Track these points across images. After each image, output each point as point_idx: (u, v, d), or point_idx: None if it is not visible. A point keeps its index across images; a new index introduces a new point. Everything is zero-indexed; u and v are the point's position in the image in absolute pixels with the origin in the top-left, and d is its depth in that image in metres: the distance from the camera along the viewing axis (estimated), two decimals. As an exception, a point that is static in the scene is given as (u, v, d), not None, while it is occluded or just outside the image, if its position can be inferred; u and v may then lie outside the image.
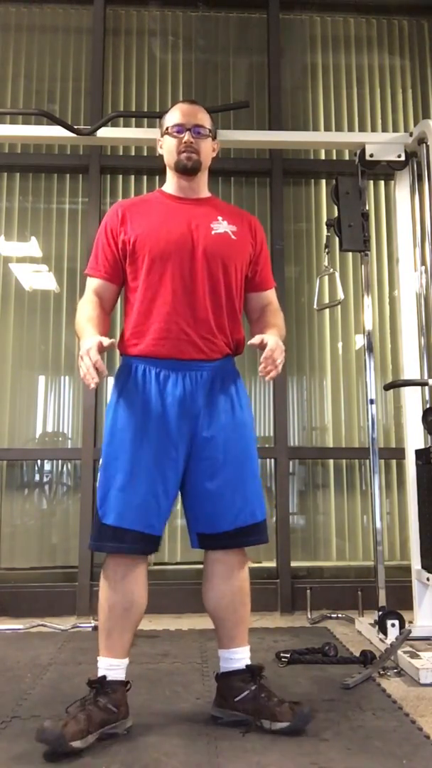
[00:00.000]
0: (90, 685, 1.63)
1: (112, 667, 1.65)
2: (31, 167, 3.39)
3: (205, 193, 1.85)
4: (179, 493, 1.73)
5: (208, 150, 1.80)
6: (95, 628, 2.64)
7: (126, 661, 1.68)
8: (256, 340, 1.64)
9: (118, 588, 1.64)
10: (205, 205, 1.81)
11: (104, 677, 1.63)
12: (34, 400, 3.29)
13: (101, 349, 1.55)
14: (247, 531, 1.70)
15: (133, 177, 3.44)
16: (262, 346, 1.63)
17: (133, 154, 3.42)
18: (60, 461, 3.24)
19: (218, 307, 1.72)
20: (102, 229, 1.79)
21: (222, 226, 1.76)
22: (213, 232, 1.74)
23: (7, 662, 2.21)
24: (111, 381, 3.29)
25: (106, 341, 1.56)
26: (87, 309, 1.73)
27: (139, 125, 3.36)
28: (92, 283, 1.78)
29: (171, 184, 1.84)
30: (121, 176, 3.43)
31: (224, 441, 1.69)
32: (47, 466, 3.25)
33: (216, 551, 1.73)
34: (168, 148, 1.79)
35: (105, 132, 2.65)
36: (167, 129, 1.78)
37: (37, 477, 3.26)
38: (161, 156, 1.86)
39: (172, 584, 2.95)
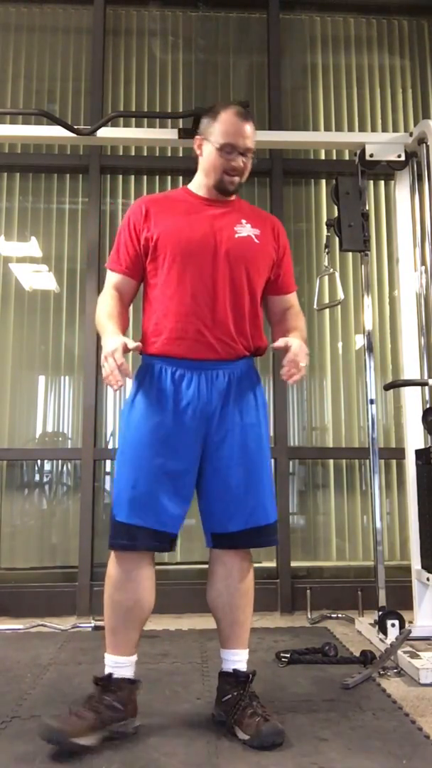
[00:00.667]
0: (96, 682, 1.63)
1: (118, 664, 1.65)
2: (31, 167, 3.39)
3: (232, 196, 1.81)
4: (195, 492, 1.74)
5: (249, 169, 1.77)
6: (95, 628, 2.65)
7: (133, 658, 1.67)
8: (280, 343, 1.65)
9: (122, 585, 1.64)
10: (230, 208, 1.78)
11: (110, 675, 1.63)
12: (34, 400, 3.29)
13: (126, 350, 1.55)
14: (258, 532, 1.70)
15: (133, 177, 3.44)
16: (286, 348, 1.64)
17: (133, 154, 3.42)
18: (60, 461, 3.24)
19: (240, 311, 1.71)
20: (125, 224, 1.77)
21: (246, 230, 1.75)
22: (236, 236, 1.73)
23: (7, 662, 2.21)
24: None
25: (131, 344, 1.56)
26: (108, 304, 1.73)
27: (139, 125, 3.36)
28: (113, 278, 1.78)
29: (199, 185, 1.79)
30: (121, 176, 3.43)
31: (239, 442, 1.69)
32: (47, 466, 3.25)
33: (223, 551, 1.73)
34: (212, 163, 1.72)
35: (105, 132, 2.65)
36: (220, 145, 1.69)
37: (37, 477, 3.26)
38: (196, 156, 1.78)
39: (172, 584, 2.95)
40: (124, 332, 1.69)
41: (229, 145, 1.69)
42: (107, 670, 1.64)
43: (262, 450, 1.75)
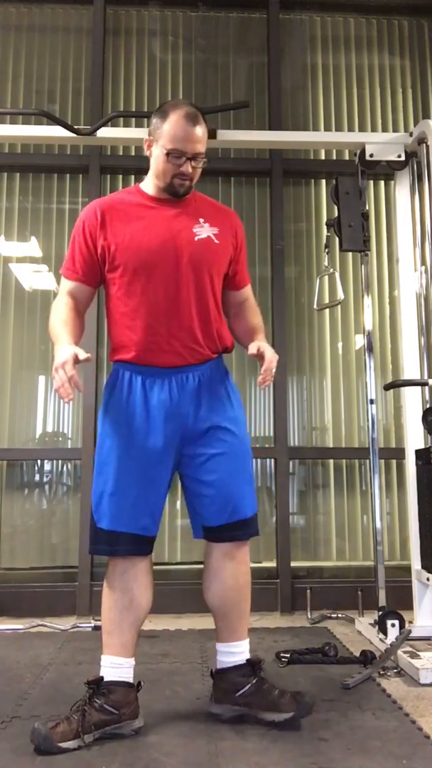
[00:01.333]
0: (87, 685, 1.63)
1: (113, 665, 1.64)
2: (31, 167, 3.39)
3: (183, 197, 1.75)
4: (183, 490, 1.78)
5: (199, 173, 1.72)
6: (95, 628, 2.65)
7: (131, 660, 1.67)
8: (253, 350, 1.69)
9: (116, 586, 1.65)
10: (186, 206, 1.74)
11: (101, 678, 1.63)
12: (34, 400, 3.29)
13: (76, 361, 1.52)
14: (241, 524, 1.72)
15: (133, 177, 3.43)
16: (260, 355, 1.68)
17: (133, 154, 3.41)
18: (60, 461, 3.24)
19: (206, 316, 1.71)
20: (79, 230, 1.72)
21: (204, 230, 1.71)
22: (196, 238, 1.69)
23: (7, 662, 2.21)
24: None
25: (82, 354, 1.52)
26: (62, 312, 1.70)
27: (139, 125, 3.36)
28: (67, 285, 1.75)
29: (152, 186, 1.74)
30: (121, 176, 3.43)
31: (218, 437, 1.70)
32: (47, 466, 3.25)
33: (216, 543, 1.74)
34: (161, 167, 1.67)
35: (105, 132, 2.65)
36: (167, 150, 1.64)
37: (37, 477, 3.26)
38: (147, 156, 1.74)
39: (172, 584, 2.95)
40: (79, 340, 1.66)
41: (176, 150, 1.64)
42: (101, 672, 1.65)
43: (242, 445, 1.76)
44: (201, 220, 1.72)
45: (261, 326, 1.85)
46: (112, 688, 1.61)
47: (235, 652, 1.74)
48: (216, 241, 1.72)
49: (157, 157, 1.68)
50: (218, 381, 1.75)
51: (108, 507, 1.65)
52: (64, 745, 1.50)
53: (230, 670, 1.72)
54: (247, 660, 1.73)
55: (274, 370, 1.69)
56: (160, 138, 1.66)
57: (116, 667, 1.65)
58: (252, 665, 1.72)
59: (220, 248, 1.74)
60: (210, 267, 1.71)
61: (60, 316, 1.69)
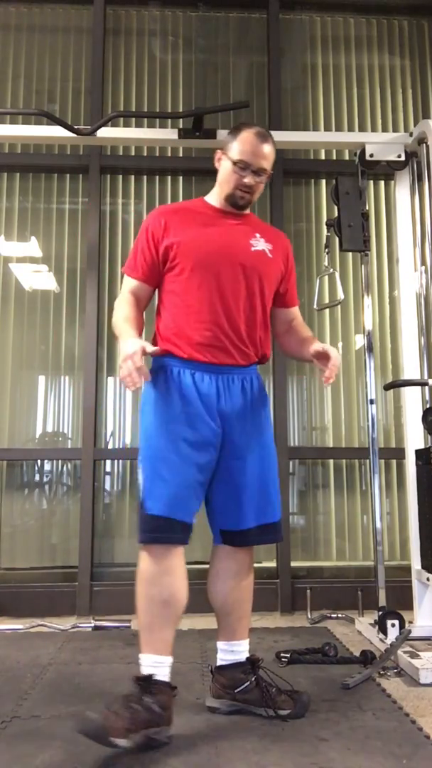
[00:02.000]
0: (136, 681, 1.58)
1: (156, 664, 1.62)
2: (31, 167, 3.39)
3: (246, 210, 1.88)
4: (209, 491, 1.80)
5: (261, 189, 1.84)
6: (95, 628, 2.65)
7: (170, 659, 1.65)
8: (318, 347, 1.75)
9: (157, 580, 1.63)
10: (245, 222, 1.86)
11: (151, 675, 1.59)
12: (34, 400, 3.29)
13: (144, 353, 1.58)
14: (267, 529, 1.78)
15: (133, 177, 3.44)
16: (325, 354, 1.74)
17: (133, 154, 3.42)
18: (60, 461, 3.24)
19: (253, 320, 1.80)
20: (143, 233, 1.81)
21: (260, 244, 1.83)
22: (252, 249, 1.81)
23: (7, 662, 2.21)
24: (110, 380, 3.29)
25: (149, 347, 1.61)
26: (125, 308, 1.77)
27: (139, 125, 3.36)
28: (130, 283, 1.82)
29: (216, 197, 1.87)
30: (121, 176, 3.43)
31: (256, 443, 1.78)
32: (47, 466, 3.25)
33: (232, 547, 1.79)
34: (226, 177, 1.81)
35: (105, 132, 2.65)
36: (234, 161, 1.77)
37: (37, 477, 3.26)
38: (215, 169, 1.86)
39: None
40: (141, 334, 1.74)
41: (243, 162, 1.76)
42: (147, 671, 1.61)
43: (272, 451, 1.86)
44: (257, 234, 1.84)
45: (313, 337, 1.93)
46: (159, 688, 1.58)
47: (236, 651, 1.79)
48: (269, 256, 1.84)
49: (224, 168, 1.81)
50: (258, 389, 1.84)
51: (162, 494, 1.65)
52: (116, 741, 1.46)
53: (230, 666, 1.78)
54: (247, 658, 1.78)
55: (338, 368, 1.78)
56: (229, 151, 1.80)
57: (159, 666, 1.62)
58: (252, 663, 1.77)
59: (272, 262, 1.85)
60: (261, 276, 1.80)
61: (123, 313, 1.76)
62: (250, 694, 1.73)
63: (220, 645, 1.81)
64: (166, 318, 1.79)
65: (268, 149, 1.78)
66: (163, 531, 1.64)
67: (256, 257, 1.80)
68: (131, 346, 1.59)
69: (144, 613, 1.64)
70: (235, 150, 1.77)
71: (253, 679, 1.74)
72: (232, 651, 1.79)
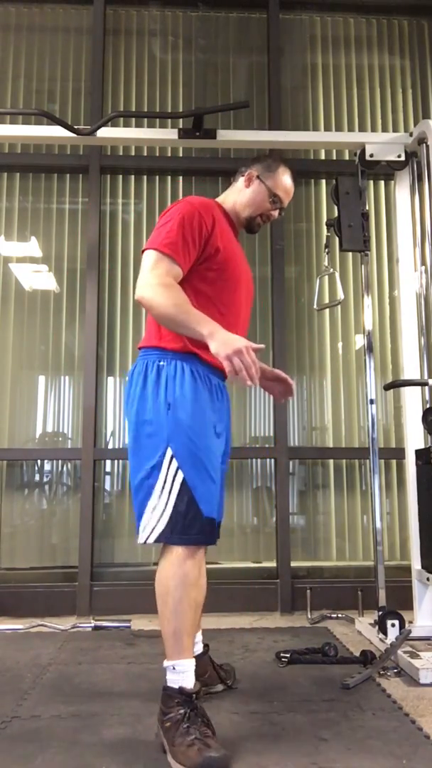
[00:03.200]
0: (195, 696, 1.55)
1: (191, 667, 1.60)
2: (31, 167, 3.39)
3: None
4: None
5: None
6: (95, 628, 2.65)
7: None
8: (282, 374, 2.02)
9: (193, 582, 1.61)
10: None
11: (200, 691, 1.59)
12: (34, 400, 3.29)
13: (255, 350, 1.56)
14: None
15: (133, 177, 3.44)
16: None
17: (133, 154, 3.42)
18: (60, 461, 3.24)
19: (244, 334, 1.84)
20: (194, 221, 1.68)
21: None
22: (250, 273, 1.93)
23: (7, 662, 2.21)
24: (110, 380, 3.29)
25: (255, 345, 1.54)
26: (184, 295, 1.62)
27: (139, 125, 3.37)
28: (175, 270, 1.65)
29: (233, 211, 1.91)
30: (121, 176, 3.43)
31: (228, 446, 1.87)
32: (47, 466, 3.25)
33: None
34: (257, 202, 1.88)
35: (105, 132, 2.65)
36: (273, 194, 1.87)
37: (37, 477, 3.26)
38: (239, 189, 1.92)
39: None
40: None
41: (280, 198, 1.90)
42: (184, 680, 1.57)
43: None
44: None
45: None
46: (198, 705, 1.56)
47: (200, 641, 1.93)
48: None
49: (257, 192, 1.88)
50: (227, 401, 1.88)
51: (211, 496, 1.65)
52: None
53: (200, 656, 1.88)
54: (204, 645, 1.95)
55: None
56: (268, 180, 1.89)
57: (191, 671, 1.60)
58: (207, 648, 1.96)
59: (252, 286, 1.98)
60: (250, 298, 1.93)
61: (182, 292, 1.61)
62: (210, 678, 1.90)
63: (199, 635, 1.91)
64: None
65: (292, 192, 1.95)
66: (210, 533, 1.64)
67: (250, 277, 1.92)
68: (240, 339, 1.53)
69: (185, 618, 1.59)
70: (273, 183, 1.88)
71: (210, 662, 1.93)
72: (198, 642, 1.90)
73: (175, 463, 1.62)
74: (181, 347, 1.69)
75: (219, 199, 1.94)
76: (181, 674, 1.57)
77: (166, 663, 1.60)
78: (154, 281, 1.60)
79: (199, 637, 1.92)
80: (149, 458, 1.64)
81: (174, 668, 1.58)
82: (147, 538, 1.62)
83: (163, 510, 1.61)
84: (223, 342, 1.52)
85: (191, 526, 1.60)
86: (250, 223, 1.91)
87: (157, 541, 1.61)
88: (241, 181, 1.92)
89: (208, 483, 1.64)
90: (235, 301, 1.80)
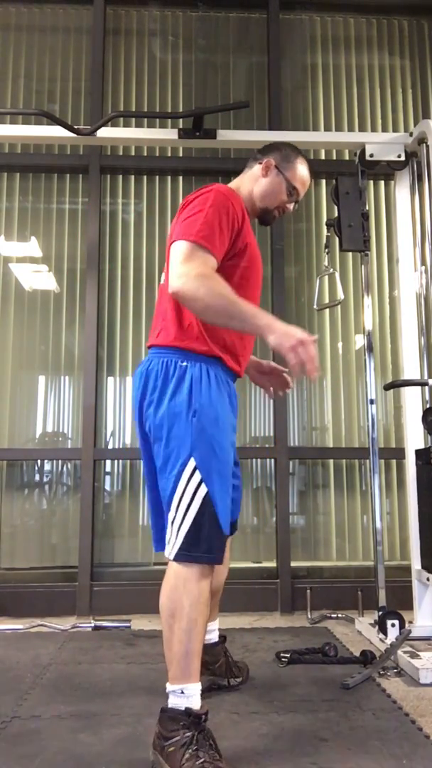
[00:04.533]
0: (204, 718, 1.43)
1: (198, 691, 1.48)
2: (31, 167, 3.39)
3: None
4: None
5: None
6: (95, 628, 2.65)
7: None
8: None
9: (204, 600, 1.49)
10: None
11: (207, 711, 1.44)
12: (34, 400, 3.29)
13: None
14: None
15: (133, 177, 3.44)
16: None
17: (133, 154, 3.42)
18: (60, 461, 3.24)
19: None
20: (226, 212, 1.57)
21: None
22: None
23: (7, 662, 2.21)
24: (110, 380, 3.29)
25: (312, 337, 1.43)
26: (228, 286, 1.49)
27: (139, 125, 3.37)
28: (211, 262, 1.52)
29: (247, 201, 1.79)
30: (121, 176, 3.43)
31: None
32: (47, 466, 3.25)
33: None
34: (275, 192, 1.78)
35: (105, 132, 2.65)
36: (292, 186, 1.78)
37: (37, 477, 3.26)
38: (256, 177, 1.80)
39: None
40: None
41: (297, 191, 1.81)
42: (190, 702, 1.44)
43: None
44: None
45: None
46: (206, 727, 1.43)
47: (215, 629, 1.96)
48: None
49: (275, 183, 1.78)
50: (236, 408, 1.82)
51: (228, 510, 1.54)
52: None
53: (213, 644, 1.92)
54: (220, 635, 1.97)
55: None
56: (287, 171, 1.78)
57: (198, 695, 1.47)
58: (224, 639, 1.98)
59: None
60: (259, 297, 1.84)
61: (232, 290, 1.48)
62: (219, 668, 1.92)
63: (208, 626, 1.88)
64: None
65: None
66: (222, 549, 1.52)
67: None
68: (298, 330, 1.41)
69: (198, 639, 1.46)
70: (292, 174, 1.79)
71: (225, 652, 1.95)
72: (214, 630, 1.94)
73: (198, 475, 1.49)
74: (207, 350, 1.58)
75: (233, 186, 1.80)
76: (189, 698, 1.45)
77: (171, 687, 1.46)
78: (193, 272, 1.45)
79: (215, 625, 1.94)
80: (169, 467, 1.52)
81: (182, 692, 1.44)
82: (169, 554, 1.52)
83: (181, 524, 1.49)
84: (285, 333, 1.39)
85: (207, 544, 1.48)
86: (266, 215, 1.81)
87: (176, 559, 1.49)
88: (257, 168, 1.79)
89: (226, 498, 1.54)
90: (256, 298, 1.74)
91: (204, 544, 1.47)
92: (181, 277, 1.45)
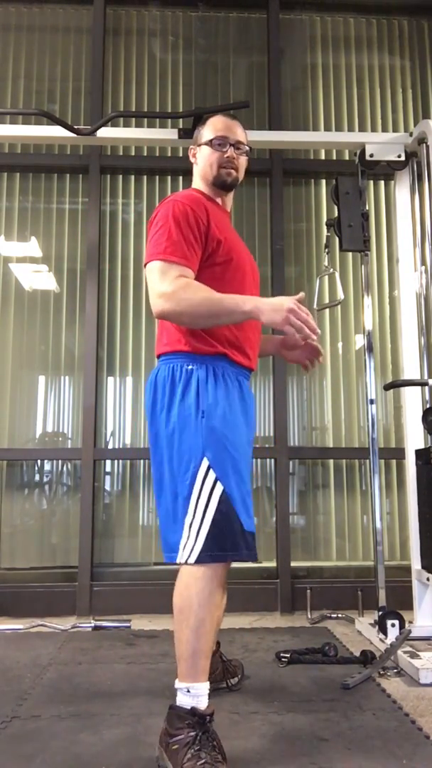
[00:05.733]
0: (209, 719, 1.43)
1: (207, 692, 1.48)
2: (31, 167, 3.39)
3: (229, 208, 1.86)
4: None
5: (244, 168, 1.81)
6: (95, 628, 2.65)
7: None
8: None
9: (218, 601, 1.50)
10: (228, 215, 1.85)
11: (213, 711, 1.45)
12: (34, 400, 3.29)
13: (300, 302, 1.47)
14: None
15: (133, 177, 3.44)
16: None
17: (133, 154, 3.42)
18: (60, 461, 3.24)
19: (258, 325, 1.75)
20: (189, 218, 1.59)
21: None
22: (251, 255, 1.82)
23: (7, 662, 2.21)
24: (110, 380, 3.29)
25: (298, 296, 1.47)
26: (207, 287, 1.53)
27: (139, 125, 3.37)
28: (188, 273, 1.56)
29: (206, 188, 1.79)
30: (121, 176, 3.43)
31: (251, 445, 1.75)
32: (47, 466, 3.25)
33: None
34: (208, 160, 1.75)
35: (105, 132, 2.66)
36: (210, 141, 1.75)
37: (37, 477, 3.26)
38: (191, 163, 1.84)
39: (171, 584, 2.94)
40: None
41: (219, 137, 1.74)
42: (199, 701, 1.45)
43: None
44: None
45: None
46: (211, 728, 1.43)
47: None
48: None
49: (203, 154, 1.77)
50: (252, 403, 1.77)
51: (248, 508, 1.54)
52: None
53: (212, 654, 1.84)
54: (217, 643, 1.94)
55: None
56: (202, 138, 1.78)
57: (205, 695, 1.47)
58: (218, 645, 1.95)
59: (256, 267, 1.86)
60: (257, 281, 1.82)
61: (200, 286, 1.52)
62: (218, 675, 1.91)
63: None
64: None
65: (239, 125, 1.79)
66: (248, 547, 1.51)
67: (253, 264, 1.82)
68: (284, 298, 1.45)
69: (206, 639, 1.46)
70: (208, 133, 1.77)
71: (221, 658, 1.95)
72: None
73: (212, 474, 1.49)
74: (212, 349, 1.60)
75: (194, 188, 1.82)
76: (196, 698, 1.45)
77: (179, 684, 1.47)
78: (168, 290, 1.50)
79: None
80: (182, 470, 1.52)
81: (188, 691, 1.45)
82: (187, 558, 1.48)
83: (200, 525, 1.48)
84: (272, 309, 1.44)
85: (230, 541, 1.48)
86: (220, 181, 1.75)
87: (198, 561, 1.46)
88: (193, 165, 1.83)
89: (245, 494, 1.53)
90: (246, 288, 1.71)
91: (227, 541, 1.48)
92: (159, 298, 1.51)
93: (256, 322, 1.64)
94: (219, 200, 1.79)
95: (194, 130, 1.87)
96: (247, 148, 1.79)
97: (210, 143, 1.75)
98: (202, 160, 1.77)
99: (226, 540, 1.48)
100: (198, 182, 1.81)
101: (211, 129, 1.77)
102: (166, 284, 1.51)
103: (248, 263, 1.77)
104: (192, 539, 1.48)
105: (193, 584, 1.47)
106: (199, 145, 1.79)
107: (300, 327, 1.42)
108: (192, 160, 1.83)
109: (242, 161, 1.79)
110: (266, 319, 1.45)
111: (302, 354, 1.91)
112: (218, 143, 1.74)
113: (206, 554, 1.47)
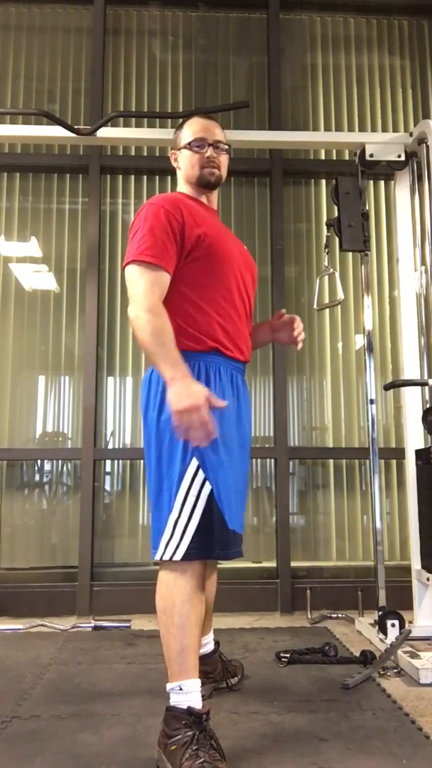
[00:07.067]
0: (206, 717, 1.42)
1: (198, 689, 1.48)
2: (31, 167, 3.39)
3: (216, 206, 1.88)
4: None
5: (226, 165, 1.84)
6: (95, 628, 2.65)
7: None
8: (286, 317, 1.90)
9: (200, 598, 1.51)
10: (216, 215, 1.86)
11: (209, 710, 1.44)
12: (34, 400, 3.29)
13: (211, 406, 1.39)
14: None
15: (133, 177, 3.44)
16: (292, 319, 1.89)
17: (133, 154, 3.42)
18: (60, 461, 3.24)
19: (249, 317, 1.80)
20: (162, 218, 1.59)
21: (238, 242, 1.84)
22: (242, 246, 1.83)
23: (7, 662, 2.21)
24: (110, 380, 3.29)
25: (219, 402, 1.40)
26: (165, 316, 1.50)
27: (139, 125, 3.37)
28: (162, 277, 1.56)
29: (190, 190, 1.83)
30: (121, 176, 3.43)
31: (246, 440, 1.75)
32: (47, 466, 3.25)
33: None
34: (189, 162, 1.79)
35: (105, 132, 2.66)
36: (188, 144, 1.78)
37: (37, 477, 3.26)
38: (174, 168, 1.87)
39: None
40: None
41: (198, 139, 1.78)
42: (190, 699, 1.45)
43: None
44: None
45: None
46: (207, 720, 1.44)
47: (210, 641, 1.95)
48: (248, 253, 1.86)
49: (184, 157, 1.81)
50: (245, 387, 1.79)
51: (233, 506, 1.55)
52: None
53: (210, 654, 1.93)
54: (217, 643, 1.97)
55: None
56: (181, 142, 1.81)
57: (198, 692, 1.48)
58: (218, 645, 1.98)
59: (253, 263, 1.87)
60: (252, 272, 1.84)
61: (166, 323, 1.49)
62: (218, 674, 1.92)
63: (203, 639, 1.87)
64: (190, 312, 1.62)
65: (216, 125, 1.82)
66: (235, 546, 1.57)
67: (246, 252, 1.83)
68: (198, 395, 1.36)
69: (192, 634, 1.47)
70: (186, 135, 1.80)
71: (221, 659, 1.96)
72: (209, 642, 1.93)
73: (201, 475, 1.51)
74: (202, 347, 1.60)
75: (178, 191, 1.84)
76: (189, 694, 1.46)
77: (170, 684, 1.48)
78: (139, 304, 1.50)
79: (210, 637, 1.94)
80: (171, 469, 1.53)
81: (180, 689, 1.46)
82: (172, 556, 1.49)
83: (186, 524, 1.49)
84: (178, 394, 1.38)
85: (214, 540, 1.51)
86: (204, 180, 1.77)
87: (185, 559, 1.48)
88: (177, 170, 1.86)
89: (231, 494, 1.54)
90: (230, 283, 1.70)
91: (211, 541, 1.51)
92: (134, 304, 1.52)
93: (244, 313, 1.73)
94: (204, 198, 1.82)
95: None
96: (227, 146, 1.82)
97: (189, 146, 1.78)
98: (184, 163, 1.81)
99: (211, 539, 1.51)
100: (182, 185, 1.85)
101: (189, 131, 1.80)
102: (139, 293, 1.52)
103: (238, 259, 1.75)
104: (177, 537, 1.50)
105: (173, 584, 1.50)
106: (180, 149, 1.82)
107: (185, 429, 1.37)
108: (174, 164, 1.86)
109: (223, 159, 1.81)
110: (168, 396, 1.40)
111: (287, 334, 1.91)
112: (197, 145, 1.78)
113: (191, 552, 1.49)
